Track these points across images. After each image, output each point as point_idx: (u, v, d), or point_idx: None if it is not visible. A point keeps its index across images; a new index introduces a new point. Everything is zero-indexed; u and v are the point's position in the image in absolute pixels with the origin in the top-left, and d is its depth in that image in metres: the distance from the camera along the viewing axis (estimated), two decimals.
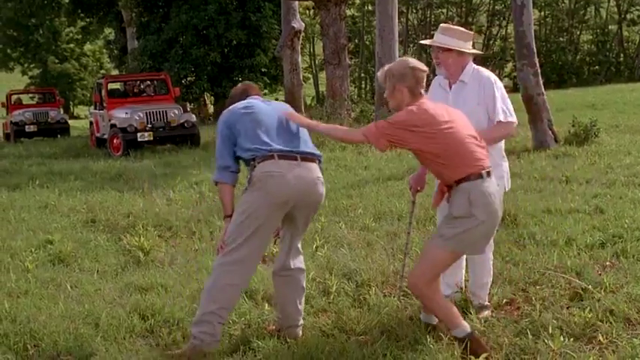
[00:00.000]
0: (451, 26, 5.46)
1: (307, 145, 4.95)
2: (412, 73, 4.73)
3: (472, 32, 5.49)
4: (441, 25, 5.47)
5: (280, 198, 4.71)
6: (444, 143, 4.54)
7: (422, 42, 5.53)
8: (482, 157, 4.62)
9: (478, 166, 4.55)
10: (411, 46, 52.75)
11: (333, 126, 5.24)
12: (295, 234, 5.05)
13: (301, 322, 5.09)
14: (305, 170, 4.80)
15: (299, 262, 5.09)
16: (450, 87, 5.35)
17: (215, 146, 5.00)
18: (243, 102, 5.04)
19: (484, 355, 4.40)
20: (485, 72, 5.37)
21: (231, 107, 5.03)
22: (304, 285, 5.14)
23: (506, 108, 5.27)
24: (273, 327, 5.17)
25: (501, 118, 5.21)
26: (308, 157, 4.86)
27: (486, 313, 5.24)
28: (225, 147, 4.89)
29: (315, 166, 4.89)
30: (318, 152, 4.98)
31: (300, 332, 5.04)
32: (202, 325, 4.76)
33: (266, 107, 4.99)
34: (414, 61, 4.84)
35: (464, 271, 5.55)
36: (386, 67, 4.89)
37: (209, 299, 4.78)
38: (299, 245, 5.11)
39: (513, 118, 5.33)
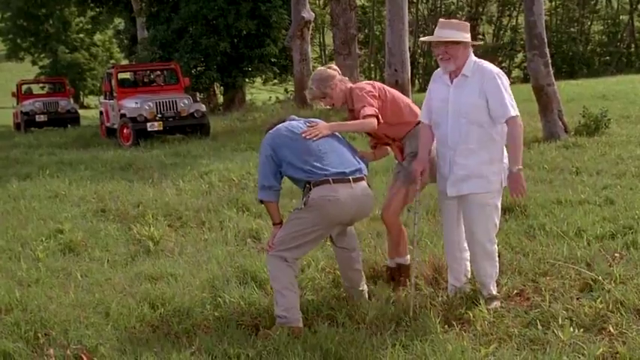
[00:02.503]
0: (450, 20, 5.39)
1: (353, 162, 5.27)
2: (332, 69, 5.74)
3: (467, 23, 5.42)
4: (440, 20, 5.38)
5: (337, 218, 5.15)
6: (390, 106, 5.66)
7: (435, 39, 5.26)
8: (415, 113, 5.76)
9: (416, 120, 5.70)
10: (421, 36, 52.56)
11: (355, 122, 5.65)
12: (341, 228, 5.43)
13: (365, 287, 5.56)
14: (357, 190, 5.16)
15: (344, 244, 5.50)
16: (452, 81, 5.25)
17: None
18: (285, 124, 5.34)
19: None
20: (488, 65, 5.26)
21: (273, 130, 5.32)
22: (357, 259, 5.56)
23: (513, 102, 5.15)
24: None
25: (512, 112, 5.08)
26: (358, 177, 5.20)
27: (496, 303, 5.24)
28: (269, 167, 5.20)
29: (364, 184, 5.26)
30: (363, 166, 5.32)
31: (367, 296, 5.50)
32: (280, 299, 5.05)
33: None
34: (323, 67, 5.88)
35: (469, 263, 5.54)
36: (308, 90, 5.83)
37: (276, 280, 5.12)
38: (347, 229, 5.49)
39: (517, 112, 5.18)
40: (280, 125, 5.35)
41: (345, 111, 5.95)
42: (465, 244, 5.46)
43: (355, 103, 5.65)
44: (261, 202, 5.35)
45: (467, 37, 5.22)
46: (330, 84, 5.67)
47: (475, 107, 5.12)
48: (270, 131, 5.33)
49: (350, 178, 5.12)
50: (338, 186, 5.06)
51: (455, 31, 5.19)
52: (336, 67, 5.87)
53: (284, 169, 5.18)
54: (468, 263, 5.54)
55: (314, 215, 5.06)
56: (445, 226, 5.56)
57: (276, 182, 5.22)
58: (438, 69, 5.45)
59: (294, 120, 5.44)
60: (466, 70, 5.18)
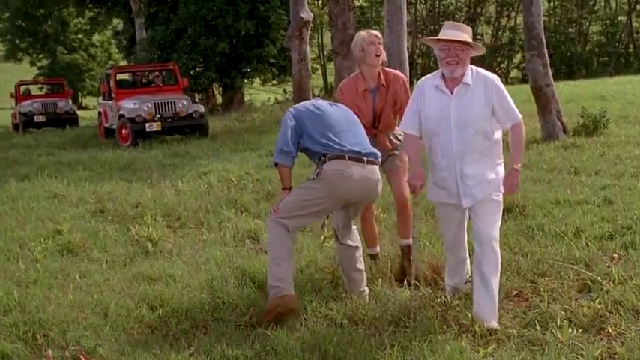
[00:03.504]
0: (459, 23, 5.31)
1: (369, 146, 5.44)
2: None
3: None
4: (449, 22, 5.28)
5: (345, 195, 5.28)
6: None
7: (453, 38, 4.99)
8: None
9: None
10: (420, 36, 52.59)
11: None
12: (346, 218, 5.57)
13: (365, 288, 5.59)
14: (369, 172, 5.32)
15: (349, 239, 5.59)
16: (451, 90, 5.05)
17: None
18: (311, 101, 5.61)
19: None
20: (487, 72, 5.15)
21: (299, 104, 5.56)
22: (359, 258, 5.62)
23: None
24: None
25: (519, 117, 5.08)
26: (372, 160, 5.35)
27: (494, 324, 5.15)
28: (290, 136, 5.34)
29: (376, 168, 5.41)
30: (378, 152, 5.47)
31: (367, 298, 5.50)
32: (274, 268, 5.24)
33: (333, 109, 5.51)
34: None
35: (468, 263, 5.52)
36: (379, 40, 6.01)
37: (273, 247, 5.30)
38: (351, 224, 5.63)
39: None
40: (306, 101, 5.61)
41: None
42: (466, 245, 5.45)
43: (405, 93, 6.08)
44: (276, 165, 5.45)
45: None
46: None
47: (481, 116, 5.00)
48: (295, 105, 5.56)
49: (364, 159, 5.28)
50: (352, 163, 5.22)
51: (467, 35, 5.05)
52: None
53: (303, 140, 5.35)
54: (468, 262, 5.52)
55: (324, 187, 5.21)
56: (447, 232, 5.41)
57: (294, 149, 5.34)
58: (424, 78, 5.31)
59: (319, 99, 5.68)
60: (467, 78, 5.03)
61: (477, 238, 5.09)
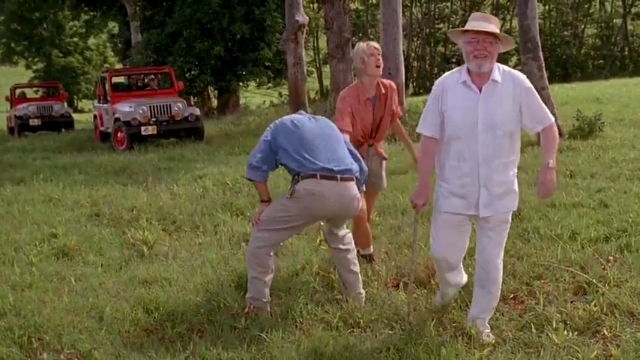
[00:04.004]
0: (488, 14, 4.83)
1: (345, 161, 5.39)
2: None
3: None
4: (477, 13, 4.82)
5: (319, 213, 5.36)
6: None
7: (484, 29, 4.51)
8: None
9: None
10: (415, 39, 52.64)
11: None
12: (331, 226, 5.62)
13: (361, 290, 5.62)
14: (344, 189, 5.31)
15: (340, 244, 5.62)
16: (479, 88, 4.61)
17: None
18: (291, 116, 5.59)
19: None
20: (516, 71, 4.72)
21: (279, 120, 5.55)
22: (353, 260, 5.65)
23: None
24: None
25: (552, 119, 4.73)
26: (346, 177, 5.32)
27: (488, 336, 5.09)
28: (264, 152, 5.40)
29: (352, 184, 5.38)
30: (355, 168, 5.44)
31: (363, 301, 5.52)
32: (250, 288, 5.47)
33: (311, 125, 5.47)
34: None
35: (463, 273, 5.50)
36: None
37: (250, 266, 5.47)
38: (337, 232, 5.62)
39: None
40: (287, 117, 5.57)
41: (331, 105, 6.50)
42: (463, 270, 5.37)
43: (396, 101, 6.38)
44: (250, 180, 5.56)
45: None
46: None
47: (509, 116, 4.61)
48: (276, 120, 5.56)
49: (338, 176, 5.27)
50: (324, 182, 5.23)
51: (495, 27, 4.58)
52: None
53: (279, 156, 5.37)
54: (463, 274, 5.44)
55: (296, 206, 5.27)
56: (449, 244, 4.92)
57: (264, 165, 5.40)
58: (444, 76, 4.84)
59: (300, 114, 5.65)
60: (496, 75, 4.60)
61: (483, 258, 4.83)
